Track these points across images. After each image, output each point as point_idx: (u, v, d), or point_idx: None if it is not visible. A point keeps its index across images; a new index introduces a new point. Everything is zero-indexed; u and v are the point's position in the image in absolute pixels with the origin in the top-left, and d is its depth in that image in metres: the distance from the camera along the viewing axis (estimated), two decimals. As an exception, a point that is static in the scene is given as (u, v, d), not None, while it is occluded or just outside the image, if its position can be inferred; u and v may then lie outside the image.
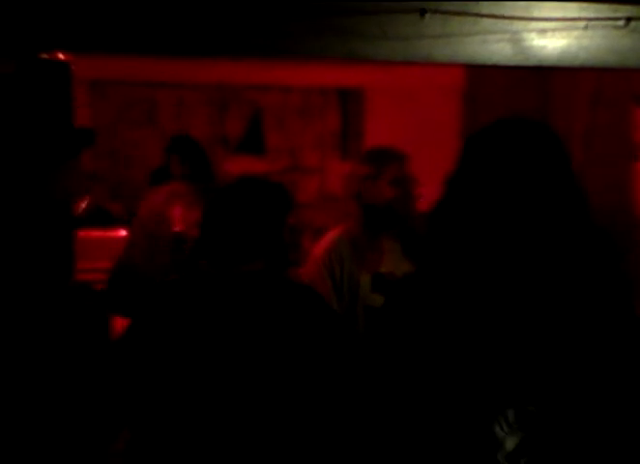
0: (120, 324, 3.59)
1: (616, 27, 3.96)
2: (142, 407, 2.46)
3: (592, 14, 3.95)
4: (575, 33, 3.96)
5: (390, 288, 3.43)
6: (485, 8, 3.88)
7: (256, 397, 2.37)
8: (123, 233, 5.12)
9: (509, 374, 1.72)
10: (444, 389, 1.73)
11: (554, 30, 3.94)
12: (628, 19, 3.93)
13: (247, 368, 2.39)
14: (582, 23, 3.95)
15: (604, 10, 3.96)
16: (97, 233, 5.21)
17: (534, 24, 3.93)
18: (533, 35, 3.94)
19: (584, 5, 3.95)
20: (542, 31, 3.94)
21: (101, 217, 5.58)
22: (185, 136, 5.12)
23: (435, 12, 3.84)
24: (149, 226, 4.27)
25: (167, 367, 2.41)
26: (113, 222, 5.44)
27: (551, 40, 3.95)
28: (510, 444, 1.71)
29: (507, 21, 3.89)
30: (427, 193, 3.43)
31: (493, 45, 3.92)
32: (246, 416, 2.37)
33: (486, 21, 3.88)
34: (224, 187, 2.69)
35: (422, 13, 3.82)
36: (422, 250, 1.96)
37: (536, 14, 3.93)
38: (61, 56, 3.78)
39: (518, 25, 3.92)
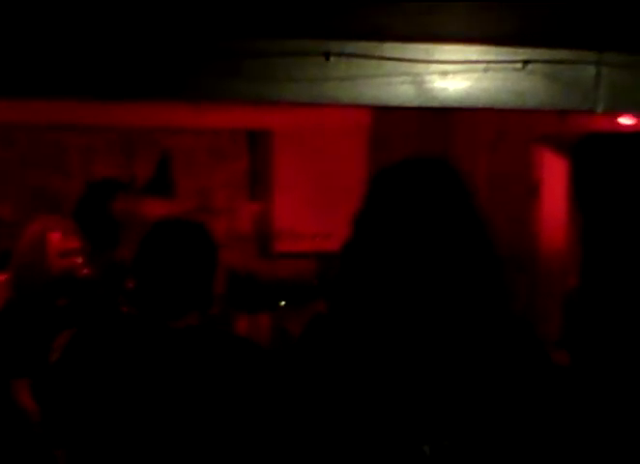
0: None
1: (515, 69, 4.08)
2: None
3: (491, 57, 4.07)
4: (476, 75, 4.07)
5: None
6: (388, 50, 3.97)
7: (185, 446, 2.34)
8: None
9: (424, 410, 1.74)
10: (361, 426, 1.75)
11: (455, 72, 4.04)
12: (526, 62, 4.06)
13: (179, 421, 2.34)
14: (482, 66, 4.06)
15: (503, 53, 4.09)
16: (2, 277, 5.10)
17: (435, 67, 4.03)
18: (434, 77, 4.04)
19: (484, 48, 4.07)
20: (444, 73, 4.04)
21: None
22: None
23: (339, 55, 3.91)
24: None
25: (94, 428, 2.37)
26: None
27: (452, 82, 4.05)
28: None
29: (409, 64, 3.98)
30: (338, 233, 3.47)
31: (396, 87, 4.00)
32: None
33: (389, 64, 3.97)
34: (152, 231, 2.49)
35: (327, 56, 3.89)
36: (334, 289, 1.97)
37: (437, 56, 4.03)
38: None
39: (420, 68, 4.01)
